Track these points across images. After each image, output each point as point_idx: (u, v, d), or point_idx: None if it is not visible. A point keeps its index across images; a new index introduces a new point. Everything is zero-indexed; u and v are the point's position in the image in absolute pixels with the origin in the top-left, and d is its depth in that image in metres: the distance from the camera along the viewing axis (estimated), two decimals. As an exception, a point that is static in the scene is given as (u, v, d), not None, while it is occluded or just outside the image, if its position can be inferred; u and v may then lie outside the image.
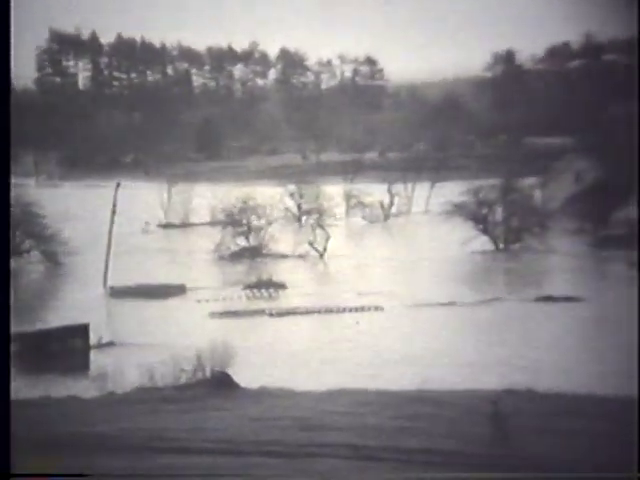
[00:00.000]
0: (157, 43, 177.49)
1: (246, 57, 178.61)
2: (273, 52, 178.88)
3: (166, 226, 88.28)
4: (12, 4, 14.21)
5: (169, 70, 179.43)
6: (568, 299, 47.59)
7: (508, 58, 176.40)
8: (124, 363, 31.78)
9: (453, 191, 76.02)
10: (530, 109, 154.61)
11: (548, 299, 47.80)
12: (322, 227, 71.06)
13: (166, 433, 19.72)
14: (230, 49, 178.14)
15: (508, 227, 69.85)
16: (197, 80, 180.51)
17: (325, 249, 68.21)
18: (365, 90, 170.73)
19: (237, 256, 67.23)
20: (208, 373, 26.89)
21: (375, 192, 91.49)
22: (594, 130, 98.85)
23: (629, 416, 21.84)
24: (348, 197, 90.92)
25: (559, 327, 41.81)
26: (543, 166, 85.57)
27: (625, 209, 72.08)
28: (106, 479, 15.63)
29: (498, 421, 19.39)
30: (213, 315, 46.32)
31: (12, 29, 14.25)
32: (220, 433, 19.83)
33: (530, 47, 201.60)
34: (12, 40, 14.31)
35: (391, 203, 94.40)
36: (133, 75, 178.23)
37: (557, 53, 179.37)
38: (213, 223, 75.16)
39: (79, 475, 15.06)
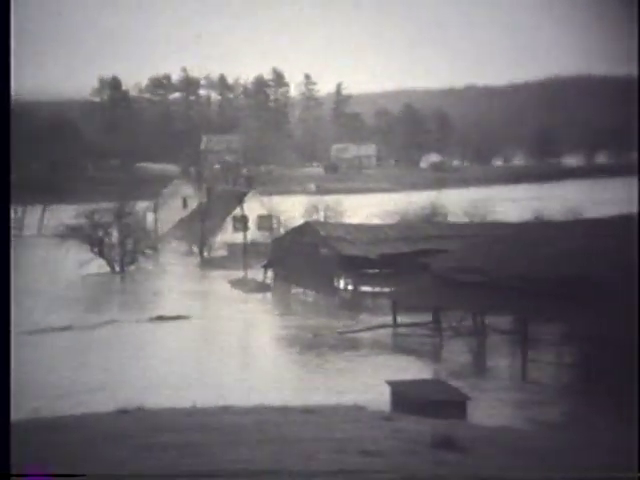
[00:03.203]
0: None
1: None
2: None
3: None
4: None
5: None
6: (177, 318, 49.92)
7: (114, 84, 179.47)
8: None
9: (67, 214, 75.72)
10: (139, 136, 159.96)
11: (160, 318, 49.80)
12: None
13: None
14: None
15: (124, 249, 71.27)
16: None
17: None
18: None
19: None
20: None
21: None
22: (190, 159, 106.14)
23: (258, 424, 24.09)
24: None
25: (170, 345, 43.92)
26: (154, 191, 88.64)
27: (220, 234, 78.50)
28: (106, 479, 14.82)
29: None
30: None
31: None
32: None
33: (135, 76, 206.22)
34: None
35: None
36: None
37: (159, 84, 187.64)
38: None
39: (79, 475, 14.28)
